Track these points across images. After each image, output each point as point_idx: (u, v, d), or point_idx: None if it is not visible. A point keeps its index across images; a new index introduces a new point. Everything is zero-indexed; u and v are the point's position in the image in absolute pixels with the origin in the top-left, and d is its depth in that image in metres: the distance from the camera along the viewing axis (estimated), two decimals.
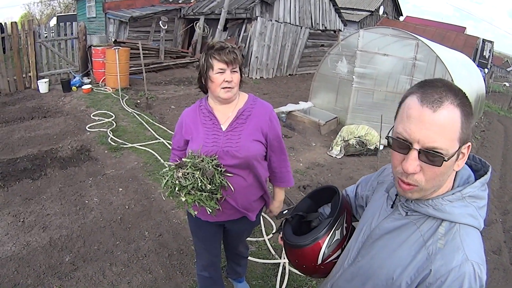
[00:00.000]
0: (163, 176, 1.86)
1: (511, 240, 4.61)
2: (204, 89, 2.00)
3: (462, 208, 0.98)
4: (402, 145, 0.95)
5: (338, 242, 1.33)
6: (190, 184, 1.76)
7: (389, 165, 1.18)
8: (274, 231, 3.78)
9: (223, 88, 1.85)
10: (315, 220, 1.55)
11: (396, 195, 1.15)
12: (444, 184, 1.01)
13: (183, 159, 1.87)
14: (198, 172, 1.78)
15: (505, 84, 25.19)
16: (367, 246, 1.17)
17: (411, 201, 1.04)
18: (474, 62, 17.57)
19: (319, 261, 1.32)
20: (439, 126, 0.89)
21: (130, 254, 3.28)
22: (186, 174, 1.79)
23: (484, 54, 22.95)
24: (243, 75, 2.00)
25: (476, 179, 1.03)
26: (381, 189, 1.28)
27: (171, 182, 1.80)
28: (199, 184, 1.76)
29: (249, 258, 3.20)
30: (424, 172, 0.94)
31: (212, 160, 1.85)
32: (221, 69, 1.82)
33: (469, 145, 0.96)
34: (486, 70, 21.32)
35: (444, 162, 0.91)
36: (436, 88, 0.91)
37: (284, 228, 1.51)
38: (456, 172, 1.03)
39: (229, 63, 1.83)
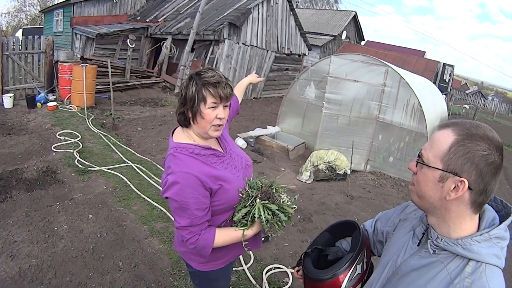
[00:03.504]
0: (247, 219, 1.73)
1: None
2: (186, 123, 1.72)
3: (488, 248, 1.04)
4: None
5: (359, 277, 1.40)
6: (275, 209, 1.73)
7: (411, 202, 1.33)
8: (252, 260, 3.78)
9: (214, 125, 1.66)
10: (331, 254, 1.60)
11: (423, 233, 1.23)
12: (428, 201, 1.13)
13: (253, 192, 1.74)
14: (279, 195, 1.80)
15: (465, 107, 26.24)
16: (393, 282, 1.22)
17: (441, 239, 1.11)
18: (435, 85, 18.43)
19: None
20: (433, 140, 1.10)
21: (105, 286, 3.23)
22: (270, 201, 1.74)
23: (444, 77, 23.89)
24: None
25: (500, 220, 1.11)
26: (405, 226, 1.35)
27: (262, 215, 1.69)
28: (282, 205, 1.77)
29: None
30: (416, 175, 1.16)
31: (269, 183, 1.83)
32: (214, 103, 1.62)
33: (462, 181, 1.02)
34: (446, 93, 22.26)
35: (421, 166, 1.12)
36: (457, 121, 1.10)
37: (304, 261, 1.56)
38: (482, 215, 1.12)
39: (224, 99, 1.64)
